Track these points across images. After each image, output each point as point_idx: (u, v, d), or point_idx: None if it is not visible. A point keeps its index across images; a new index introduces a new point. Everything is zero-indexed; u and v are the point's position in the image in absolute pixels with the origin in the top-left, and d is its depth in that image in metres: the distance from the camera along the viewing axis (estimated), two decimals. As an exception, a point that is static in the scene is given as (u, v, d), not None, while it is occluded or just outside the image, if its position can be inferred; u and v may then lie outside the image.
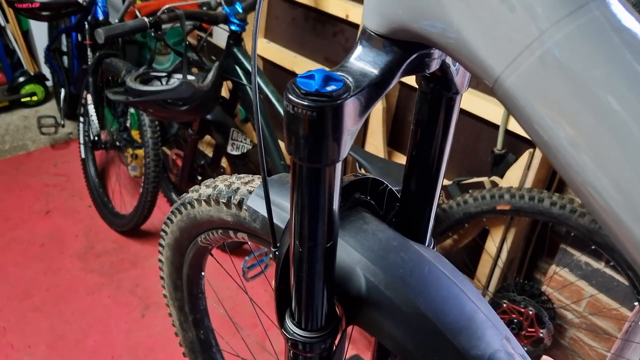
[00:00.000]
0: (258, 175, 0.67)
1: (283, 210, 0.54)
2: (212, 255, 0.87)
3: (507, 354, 0.44)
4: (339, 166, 0.38)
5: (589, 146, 0.28)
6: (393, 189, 0.55)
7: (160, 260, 0.90)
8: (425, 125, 0.47)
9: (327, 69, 0.36)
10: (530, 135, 0.31)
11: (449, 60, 0.41)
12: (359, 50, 0.38)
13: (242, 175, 0.68)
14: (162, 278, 0.93)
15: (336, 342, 0.50)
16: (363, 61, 0.37)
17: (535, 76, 0.29)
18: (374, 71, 0.37)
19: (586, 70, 0.28)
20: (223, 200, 0.64)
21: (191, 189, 0.74)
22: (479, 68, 0.31)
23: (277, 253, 0.51)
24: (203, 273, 0.90)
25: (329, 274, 0.45)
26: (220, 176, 0.71)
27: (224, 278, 1.91)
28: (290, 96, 0.34)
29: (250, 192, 0.61)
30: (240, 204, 0.62)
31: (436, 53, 0.39)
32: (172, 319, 0.99)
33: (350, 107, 0.35)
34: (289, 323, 0.48)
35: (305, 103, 0.33)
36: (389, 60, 0.37)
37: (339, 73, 0.36)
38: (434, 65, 0.40)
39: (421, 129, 0.48)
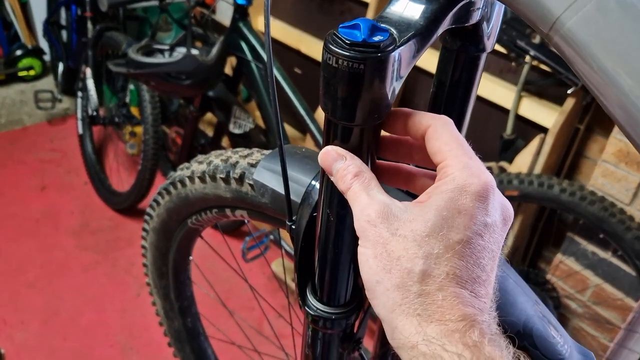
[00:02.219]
0: (256, 149, 0.63)
1: (296, 182, 0.50)
2: (202, 237, 0.81)
3: (540, 318, 0.42)
4: (379, 126, 0.35)
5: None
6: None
7: (143, 247, 0.84)
8: (447, 87, 0.45)
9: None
10: (585, 84, 0.28)
11: (487, 11, 0.38)
12: None
13: (238, 149, 0.63)
14: (145, 265, 0.87)
15: (359, 319, 0.48)
16: (406, 10, 0.34)
17: (599, 18, 0.26)
18: (419, 21, 0.33)
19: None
20: (221, 176, 0.60)
21: (180, 166, 0.69)
22: (534, 11, 0.28)
23: (293, 227, 0.48)
24: (191, 257, 0.85)
25: (356, 246, 0.42)
26: (213, 151, 0.66)
27: (220, 259, 1.87)
28: (332, 47, 0.31)
29: (253, 165, 0.57)
30: (241, 178, 0.58)
31: (479, 2, 0.36)
32: (156, 308, 0.93)
33: (397, 59, 0.32)
34: (311, 299, 0.46)
35: (350, 54, 0.30)
36: (434, 9, 0.34)
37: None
38: (476, 17, 0.37)
39: (442, 90, 0.45)
